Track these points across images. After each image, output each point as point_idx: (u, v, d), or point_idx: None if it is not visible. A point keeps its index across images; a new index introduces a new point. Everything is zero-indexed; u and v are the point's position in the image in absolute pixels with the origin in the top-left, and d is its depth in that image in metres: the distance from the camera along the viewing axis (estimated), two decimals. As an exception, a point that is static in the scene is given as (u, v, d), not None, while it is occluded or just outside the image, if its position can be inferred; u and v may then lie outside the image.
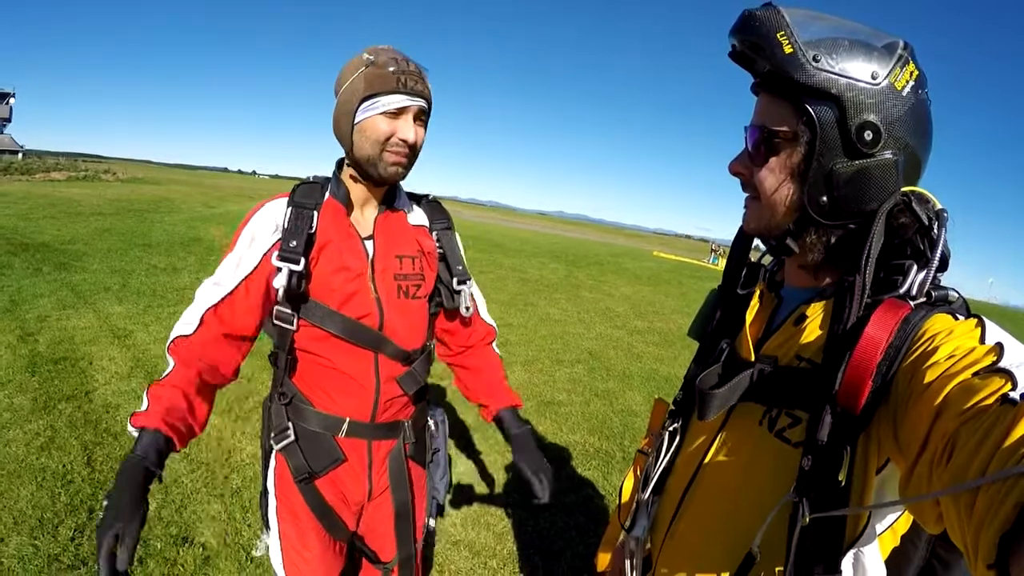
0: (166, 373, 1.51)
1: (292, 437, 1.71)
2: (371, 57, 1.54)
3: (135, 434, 1.40)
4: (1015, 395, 0.64)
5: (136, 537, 1.26)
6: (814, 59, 0.88)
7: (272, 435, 1.74)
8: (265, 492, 1.82)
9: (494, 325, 2.02)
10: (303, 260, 1.55)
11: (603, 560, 1.43)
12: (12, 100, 66.82)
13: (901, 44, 0.91)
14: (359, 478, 1.77)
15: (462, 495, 3.91)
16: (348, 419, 1.71)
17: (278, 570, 1.79)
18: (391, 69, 1.53)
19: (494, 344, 2.04)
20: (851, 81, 0.88)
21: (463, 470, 4.27)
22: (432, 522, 2.00)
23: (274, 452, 1.77)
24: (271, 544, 1.80)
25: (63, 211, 15.22)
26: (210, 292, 1.58)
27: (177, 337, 1.55)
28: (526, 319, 9.90)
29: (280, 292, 1.57)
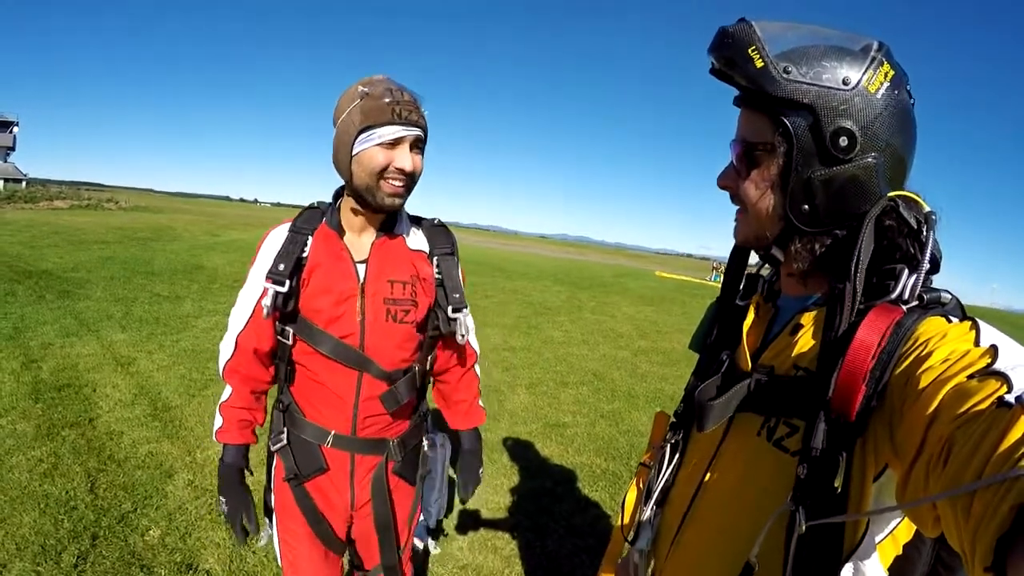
0: (229, 395, 1.84)
1: (285, 441, 1.85)
2: (366, 89, 1.59)
3: (215, 439, 1.84)
4: (1010, 398, 0.63)
5: (252, 512, 1.87)
6: (785, 71, 0.89)
7: (271, 437, 1.89)
8: (268, 489, 1.97)
9: (477, 349, 2.08)
10: (288, 282, 1.66)
11: (608, 573, 1.42)
12: (16, 129, 67.43)
13: (875, 46, 0.92)
14: (342, 488, 1.86)
15: (469, 519, 3.87)
16: (333, 431, 1.81)
17: (279, 559, 1.96)
18: (386, 100, 1.58)
19: (476, 366, 2.11)
20: (822, 89, 0.88)
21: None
22: (419, 543, 2.05)
23: (274, 453, 1.90)
24: (274, 536, 1.96)
25: (66, 239, 15.32)
26: (237, 318, 1.79)
27: (226, 363, 1.82)
28: (530, 342, 9.89)
29: (266, 312, 1.67)
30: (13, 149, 66.15)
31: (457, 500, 2.04)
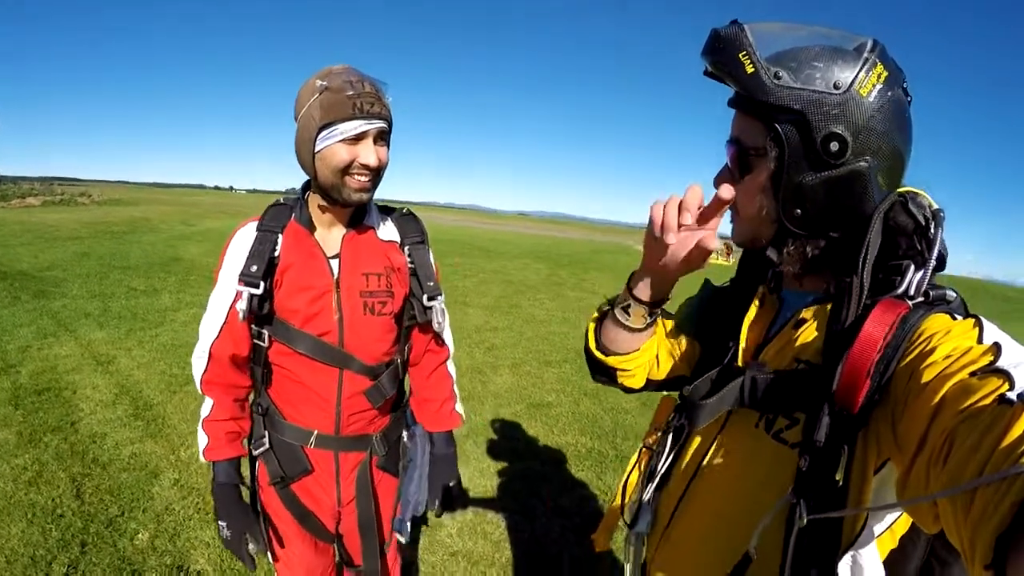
0: (210, 408, 1.78)
1: (267, 445, 1.83)
2: (324, 83, 1.54)
3: (202, 460, 1.77)
4: (1012, 395, 0.64)
5: (257, 531, 1.79)
6: (775, 76, 0.89)
7: (252, 442, 1.86)
8: (253, 492, 1.92)
9: (451, 346, 2.05)
10: (262, 284, 1.62)
11: (602, 541, 1.43)
12: (-18, 127, 66.01)
13: (868, 46, 0.92)
14: (327, 487, 1.86)
15: (457, 504, 3.88)
16: (316, 431, 1.79)
17: (270, 559, 1.93)
18: (348, 94, 1.52)
19: (449, 362, 2.07)
20: (813, 94, 0.89)
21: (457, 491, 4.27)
22: (402, 538, 2.05)
23: (257, 458, 1.88)
24: (263, 537, 1.89)
25: (40, 237, 15.03)
26: (209, 326, 1.73)
27: (202, 376, 1.76)
28: (511, 321, 9.90)
29: (241, 315, 1.63)
30: (-20, 146, 64.75)
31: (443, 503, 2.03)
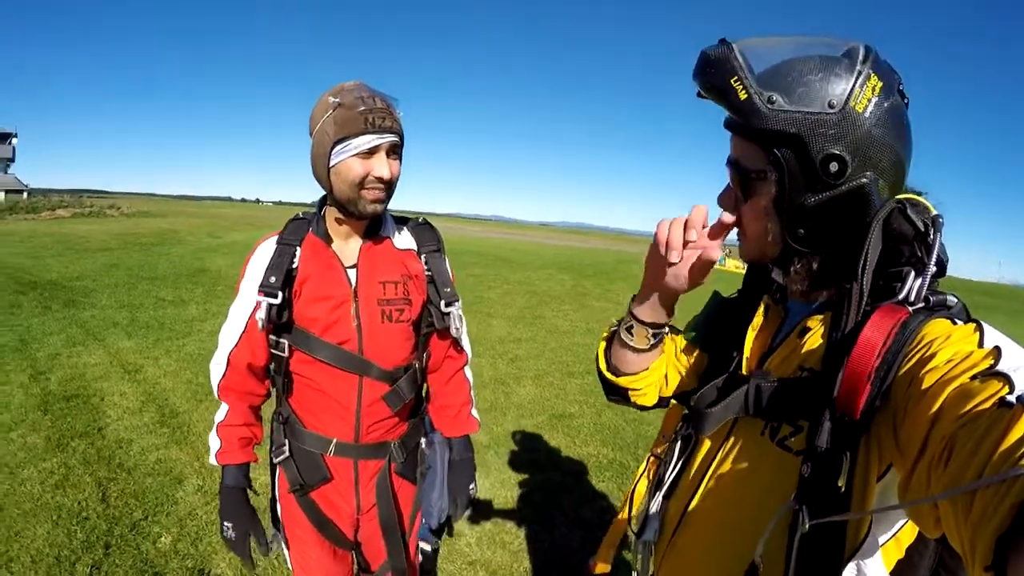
0: (225, 414, 1.82)
1: (287, 453, 1.86)
2: (337, 99, 1.58)
3: (214, 463, 1.82)
4: (1012, 398, 0.63)
5: (261, 533, 1.86)
6: (769, 101, 0.89)
7: (272, 449, 1.89)
8: (274, 499, 1.97)
9: (469, 352, 2.07)
10: (281, 294, 1.67)
11: (605, 556, 1.43)
12: (15, 140, 67.48)
13: (860, 55, 0.91)
14: (347, 495, 1.88)
15: (477, 513, 3.89)
16: (335, 439, 1.81)
17: (289, 564, 1.97)
18: (360, 109, 1.57)
19: (467, 368, 2.09)
20: (809, 116, 0.88)
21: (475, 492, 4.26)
22: (427, 546, 2.05)
23: (277, 465, 1.91)
24: (283, 543, 1.96)
25: (69, 248, 15.32)
26: (228, 335, 1.78)
27: (219, 382, 1.81)
28: (535, 332, 9.88)
29: (260, 324, 1.67)
30: (13, 160, 66.18)
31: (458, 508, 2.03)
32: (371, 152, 1.60)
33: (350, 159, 1.59)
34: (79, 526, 3.42)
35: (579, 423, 5.77)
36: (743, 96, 0.90)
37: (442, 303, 1.84)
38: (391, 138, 1.62)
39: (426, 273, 1.86)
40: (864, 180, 0.90)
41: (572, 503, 4.14)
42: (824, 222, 0.93)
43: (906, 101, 0.94)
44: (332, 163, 1.61)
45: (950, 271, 0.90)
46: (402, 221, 1.92)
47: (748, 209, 1.01)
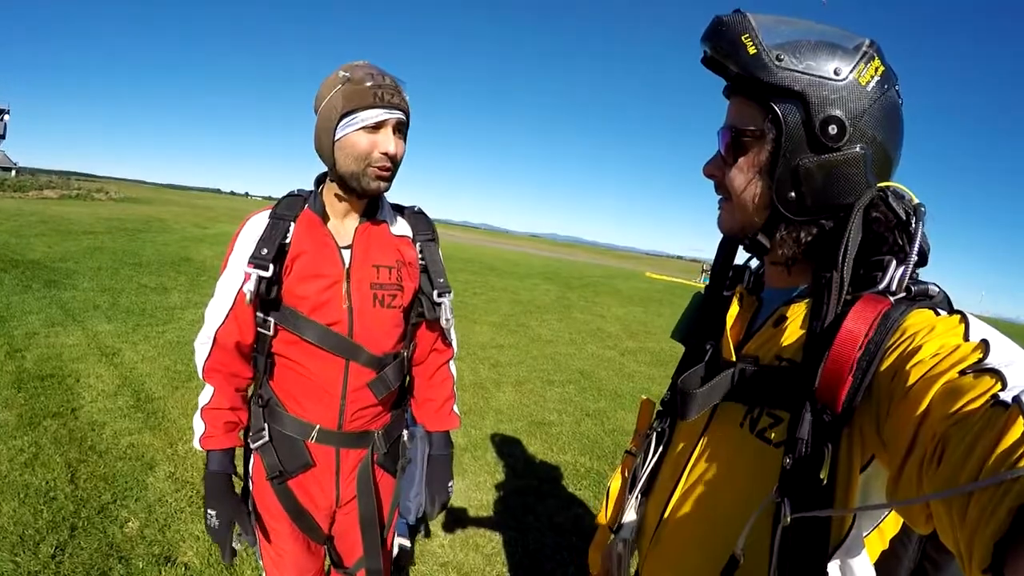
0: (210, 396, 1.76)
1: (267, 438, 1.79)
2: (347, 74, 1.58)
3: (197, 447, 1.75)
4: (1006, 396, 0.62)
5: (247, 522, 1.78)
6: (777, 59, 0.89)
7: (250, 434, 1.82)
8: (246, 489, 1.89)
9: (455, 346, 2.05)
10: (271, 267, 1.62)
11: (594, 561, 1.42)
12: (7, 117, 66.96)
13: (867, 42, 0.92)
14: (327, 484, 1.83)
15: (451, 516, 3.87)
16: (318, 426, 1.76)
17: (259, 559, 1.91)
18: (368, 84, 1.57)
19: (451, 363, 2.07)
20: (814, 78, 0.89)
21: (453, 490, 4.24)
22: (406, 542, 2.02)
23: (252, 452, 1.84)
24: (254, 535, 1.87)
25: (54, 229, 15.16)
26: (214, 311, 1.72)
27: (205, 362, 1.75)
28: (517, 340, 9.87)
29: (248, 297, 1.62)
30: (3, 137, 65.62)
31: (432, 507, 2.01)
32: (377, 127, 1.59)
33: (356, 132, 1.58)
34: (46, 506, 3.36)
35: (557, 431, 5.76)
36: (752, 51, 0.90)
37: (434, 292, 1.82)
38: (398, 114, 1.61)
39: (420, 261, 1.84)
40: (859, 151, 0.91)
41: (547, 509, 4.13)
42: (815, 187, 0.93)
43: (901, 102, 0.95)
44: (337, 136, 1.59)
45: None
46: (398, 209, 1.90)
47: (737, 171, 1.00)
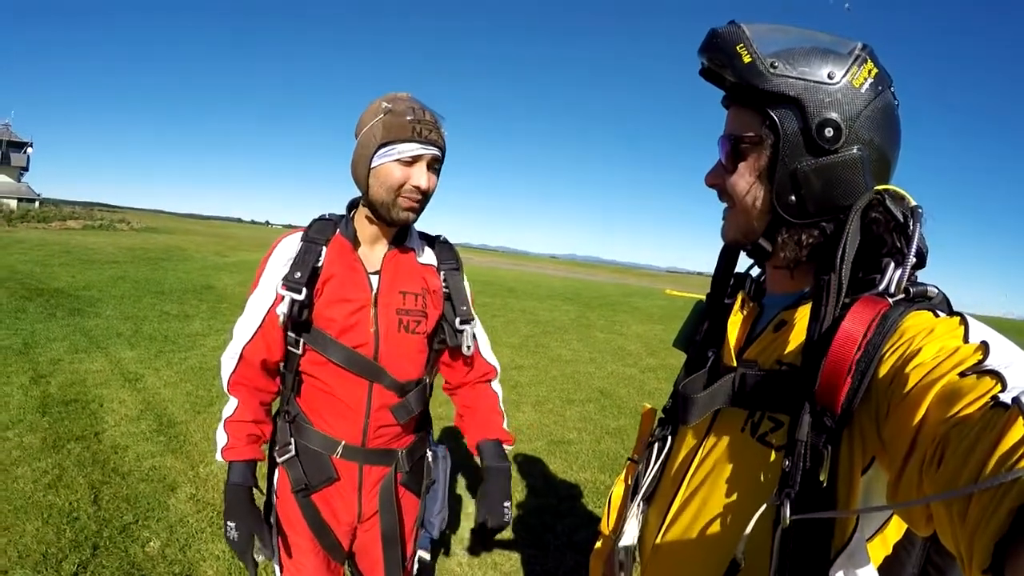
0: (234, 408, 1.79)
1: (293, 452, 1.81)
2: (389, 105, 1.63)
3: (220, 460, 1.76)
4: (1005, 398, 0.62)
5: (266, 535, 1.75)
6: (772, 66, 0.91)
7: (276, 448, 1.85)
8: (269, 503, 1.90)
9: (495, 365, 2.05)
10: (305, 290, 1.65)
11: (595, 569, 1.42)
12: (30, 150, 68.15)
13: (859, 46, 0.94)
14: (350, 499, 1.84)
15: (470, 534, 3.84)
16: (343, 441, 1.78)
17: (278, 574, 1.88)
18: (408, 118, 1.61)
19: (494, 382, 2.06)
20: (809, 83, 0.91)
21: (472, 510, 4.22)
22: (426, 555, 2.02)
23: (277, 465, 1.86)
24: (275, 550, 1.86)
25: (78, 258, 15.40)
26: (243, 328, 1.76)
27: (230, 376, 1.79)
28: (537, 360, 9.84)
29: (281, 319, 1.67)
30: (27, 169, 66.78)
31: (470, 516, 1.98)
32: (413, 161, 1.63)
33: (391, 163, 1.62)
34: (69, 526, 3.40)
35: (577, 449, 5.73)
36: (747, 59, 0.93)
37: (457, 320, 1.85)
38: (434, 151, 1.66)
39: (444, 289, 1.87)
40: (855, 152, 0.92)
41: (566, 528, 4.10)
42: (814, 190, 0.94)
43: (897, 103, 0.97)
44: (374, 164, 1.63)
45: (956, 306, 0.89)
46: (426, 238, 1.94)
47: (738, 177, 1.02)
